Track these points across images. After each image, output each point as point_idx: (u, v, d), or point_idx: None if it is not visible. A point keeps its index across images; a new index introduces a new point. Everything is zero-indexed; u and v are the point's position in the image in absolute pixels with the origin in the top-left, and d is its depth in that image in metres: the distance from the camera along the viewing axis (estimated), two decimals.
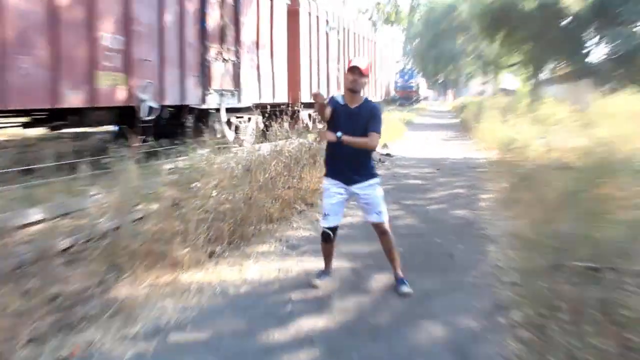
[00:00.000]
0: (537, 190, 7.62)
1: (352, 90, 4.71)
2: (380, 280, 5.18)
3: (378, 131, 4.71)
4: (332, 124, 4.75)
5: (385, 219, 4.92)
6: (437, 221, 7.57)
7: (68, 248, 5.23)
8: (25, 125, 11.11)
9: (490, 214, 7.78)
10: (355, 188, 4.85)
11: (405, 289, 4.80)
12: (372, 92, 27.88)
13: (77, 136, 14.72)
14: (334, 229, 4.94)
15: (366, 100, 4.84)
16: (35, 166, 6.92)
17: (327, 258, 5.21)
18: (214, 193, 6.61)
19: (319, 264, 5.33)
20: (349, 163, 4.80)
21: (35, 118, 10.73)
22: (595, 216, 5.81)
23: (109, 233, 5.75)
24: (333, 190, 4.88)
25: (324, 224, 4.96)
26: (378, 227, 4.94)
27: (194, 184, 6.86)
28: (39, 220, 5.95)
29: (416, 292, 4.83)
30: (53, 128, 11.23)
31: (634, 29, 31.26)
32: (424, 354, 3.74)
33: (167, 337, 3.98)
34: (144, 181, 6.86)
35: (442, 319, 4.30)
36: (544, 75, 43.60)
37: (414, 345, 3.87)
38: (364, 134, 4.64)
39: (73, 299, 4.37)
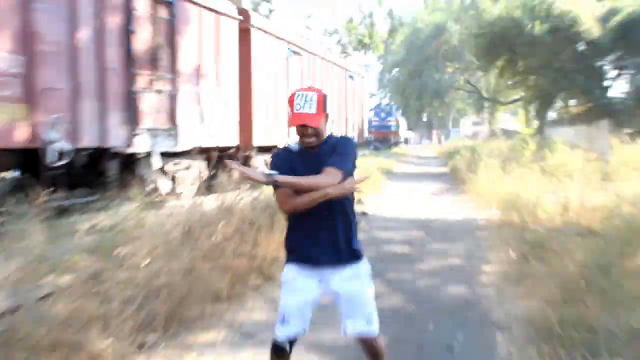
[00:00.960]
0: (554, 262, 7.63)
1: (310, 147, 4.09)
2: None
3: (339, 166, 3.96)
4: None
5: (377, 328, 4.19)
6: (429, 301, 7.51)
7: None
8: None
9: (495, 293, 7.76)
10: (335, 278, 4.11)
11: None
12: (340, 131, 28.04)
13: None
14: (293, 340, 4.13)
15: (329, 137, 4.19)
16: None
17: None
18: (145, 262, 6.50)
19: None
20: (323, 236, 4.08)
21: None
22: (629, 298, 5.84)
23: (4, 315, 5.58)
24: (299, 284, 4.13)
25: (279, 331, 4.11)
26: (367, 344, 4.20)
27: (118, 251, 6.74)
28: None
29: None
30: None
31: None
32: None
33: None
34: (52, 245, 6.73)
35: None
36: (552, 113, 44.52)
37: None
38: (342, 201, 4.10)
39: None
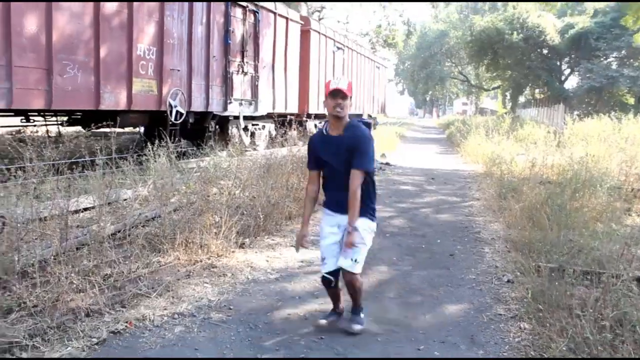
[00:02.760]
0: (524, 200, 7.71)
1: (337, 116, 3.76)
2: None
3: (363, 167, 3.72)
4: (316, 161, 3.97)
5: (357, 270, 3.83)
6: (436, 224, 7.64)
7: (114, 233, 5.31)
8: (62, 124, 11.20)
9: (482, 219, 7.87)
10: (345, 219, 3.79)
11: (357, 326, 3.93)
12: (369, 107, 27.92)
13: (105, 135, 14.74)
14: (335, 273, 3.90)
15: (351, 125, 3.82)
16: (78, 159, 6.97)
17: (334, 300, 4.13)
18: (237, 192, 6.71)
19: None
20: (339, 194, 3.80)
21: (74, 118, 10.80)
22: (575, 226, 5.98)
23: (149, 222, 5.86)
24: (327, 230, 3.94)
25: (323, 269, 3.94)
26: (345, 276, 3.85)
27: (222, 182, 6.97)
28: (89, 208, 6.04)
29: (425, 286, 4.93)
30: (85, 127, 11.27)
31: (604, 63, 31.70)
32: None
33: (209, 315, 4.06)
34: (175, 177, 6.91)
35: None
36: (522, 98, 44.03)
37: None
38: (348, 167, 3.74)
39: (123, 279, 4.44)
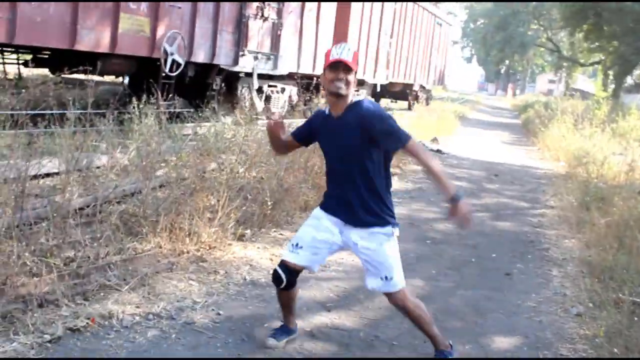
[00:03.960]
0: (612, 214, 7.77)
1: (336, 94, 3.67)
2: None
3: (406, 140, 3.66)
4: (305, 136, 4.04)
5: (395, 287, 3.81)
6: (492, 234, 7.76)
7: (82, 208, 5.51)
8: (26, 65, 11.45)
9: (554, 233, 7.96)
10: (354, 234, 3.81)
11: None
12: (422, 76, 27.96)
13: (79, 83, 15.02)
14: (295, 272, 3.88)
15: (353, 104, 3.75)
16: (43, 111, 7.21)
17: (286, 310, 4.09)
18: (242, 170, 6.88)
19: (349, 257, 5.61)
20: (340, 194, 3.82)
21: (40, 58, 11.05)
22: None
23: (127, 198, 6.07)
24: (323, 223, 3.89)
25: (286, 256, 3.92)
26: (390, 300, 3.89)
27: (224, 156, 7.15)
28: (52, 173, 6.27)
29: (469, 311, 5.07)
30: (54, 71, 11.53)
31: None
32: None
33: (192, 319, 4.25)
34: (165, 145, 7.08)
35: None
36: (630, 79, 43.42)
37: None
38: (357, 153, 3.70)
39: (89, 265, 4.65)
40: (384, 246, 3.78)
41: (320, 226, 3.89)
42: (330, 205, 3.91)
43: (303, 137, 4.06)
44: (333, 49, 3.71)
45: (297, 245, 3.88)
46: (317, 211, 4.00)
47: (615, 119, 20.66)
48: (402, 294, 3.82)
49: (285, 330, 4.07)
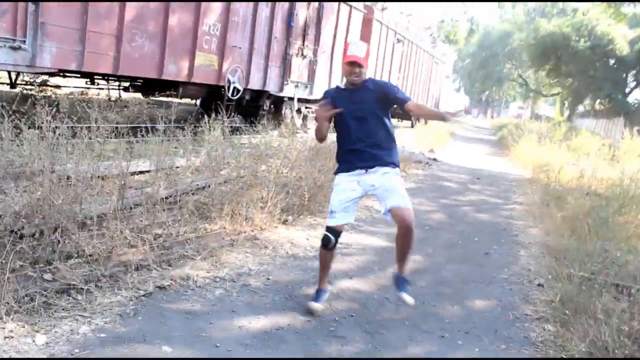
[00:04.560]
0: (567, 209, 7.73)
1: (354, 84, 3.92)
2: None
3: (409, 97, 4.00)
4: (336, 116, 3.99)
5: (410, 203, 3.86)
6: (475, 223, 7.74)
7: (166, 198, 5.60)
8: (125, 90, 11.64)
9: (522, 223, 7.92)
10: (371, 178, 3.90)
11: (408, 297, 3.90)
12: (424, 101, 27.85)
13: (162, 104, 15.21)
14: (338, 233, 3.93)
15: (367, 80, 3.98)
16: (139, 125, 7.31)
17: (324, 270, 4.09)
18: (285, 171, 6.93)
19: (373, 240, 5.60)
20: (368, 147, 3.91)
21: (135, 85, 11.22)
22: (615, 240, 6.01)
23: (199, 190, 6.15)
24: (344, 186, 3.95)
25: (329, 222, 3.96)
26: (401, 215, 3.75)
27: (272, 160, 7.20)
28: (144, 171, 6.37)
29: (456, 280, 5.08)
30: (145, 95, 11.70)
31: None
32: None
33: (248, 282, 4.31)
34: (227, 151, 7.15)
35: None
36: (581, 108, 43.00)
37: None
38: (373, 111, 3.91)
39: (172, 240, 4.73)
40: (396, 177, 3.97)
41: (341, 189, 3.96)
42: (350, 163, 3.98)
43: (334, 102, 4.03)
44: (350, 44, 3.96)
45: (332, 212, 3.97)
46: (336, 178, 4.07)
47: (570, 137, 20.46)
48: (412, 212, 3.82)
49: (322, 291, 4.07)
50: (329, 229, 3.95)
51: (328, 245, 3.94)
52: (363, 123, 3.91)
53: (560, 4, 45.45)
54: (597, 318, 3.80)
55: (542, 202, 8.89)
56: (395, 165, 4.00)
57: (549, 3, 46.84)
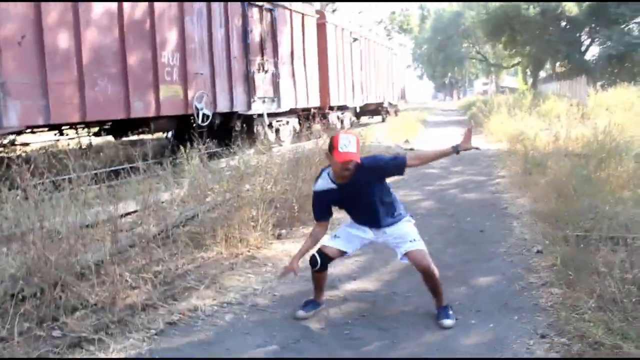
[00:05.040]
0: (549, 174, 7.85)
1: (345, 179, 3.75)
2: None
3: (404, 157, 3.86)
4: (328, 211, 4.03)
5: (421, 245, 3.83)
6: (464, 203, 7.82)
7: (159, 233, 5.59)
8: (95, 135, 11.56)
9: (509, 196, 8.01)
10: (383, 231, 3.92)
11: (447, 321, 3.75)
12: (389, 95, 28.01)
13: (134, 143, 15.15)
14: (328, 258, 3.91)
15: (359, 166, 3.71)
16: (119, 167, 7.30)
17: (318, 287, 4.09)
18: (269, 186, 6.93)
19: None
20: (376, 220, 3.92)
21: (104, 128, 11.15)
22: (601, 195, 6.12)
23: (189, 221, 6.14)
24: (355, 225, 4.02)
25: (326, 241, 3.99)
26: (416, 259, 3.77)
27: (253, 178, 7.21)
28: (130, 212, 6.35)
29: (457, 262, 5.13)
30: (116, 136, 11.65)
31: (625, 29, 31.30)
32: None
33: (255, 302, 4.32)
34: (208, 177, 7.16)
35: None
36: (543, 73, 43.59)
37: None
38: (374, 194, 3.84)
39: (172, 274, 4.72)
40: (405, 224, 3.92)
41: (354, 227, 4.01)
42: (360, 224, 4.00)
43: (329, 213, 4.04)
44: (340, 139, 3.65)
45: (335, 236, 3.99)
46: (349, 224, 4.08)
47: (538, 104, 20.72)
48: (426, 253, 3.81)
49: (314, 303, 4.08)
50: (320, 249, 3.95)
51: (315, 267, 3.93)
52: (366, 206, 3.88)
53: None
54: (599, 272, 3.89)
55: (524, 171, 9.03)
56: (401, 215, 3.97)
57: None
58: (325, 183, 3.90)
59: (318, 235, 4.06)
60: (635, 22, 32.95)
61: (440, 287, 3.87)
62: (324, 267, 3.94)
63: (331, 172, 3.85)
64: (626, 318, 3.30)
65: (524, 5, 32.37)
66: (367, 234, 3.97)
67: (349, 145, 3.62)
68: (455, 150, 3.79)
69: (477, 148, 3.95)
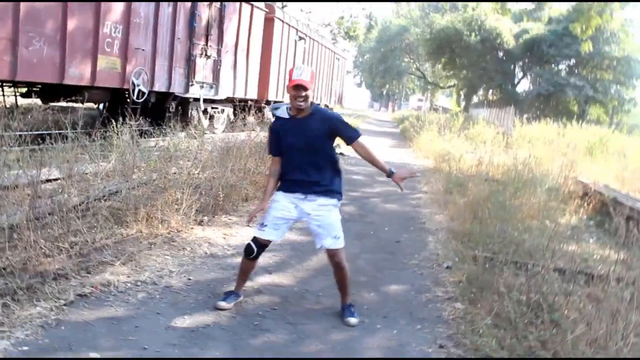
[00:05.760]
0: (468, 195, 8.17)
1: (299, 108, 3.86)
2: None
3: (357, 135, 4.02)
4: (279, 146, 4.03)
5: (341, 244, 3.98)
6: (384, 213, 8.04)
7: (79, 204, 5.48)
8: (23, 96, 11.13)
9: (428, 211, 8.29)
10: (308, 205, 3.94)
11: (352, 320, 3.94)
12: (326, 97, 28.25)
13: (64, 109, 14.64)
14: (262, 246, 3.99)
15: (317, 110, 3.98)
16: (43, 132, 7.09)
17: (243, 277, 4.14)
18: (196, 172, 6.92)
19: (290, 235, 5.74)
20: (311, 177, 3.93)
21: (33, 90, 10.74)
22: (512, 221, 6.45)
23: (112, 196, 6.05)
24: (281, 204, 3.97)
25: (257, 233, 3.97)
26: (332, 256, 3.97)
27: (182, 162, 7.18)
28: (52, 179, 6.19)
29: (371, 269, 5.31)
30: (45, 100, 11.24)
31: (555, 69, 32.88)
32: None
33: (170, 284, 4.33)
34: (136, 155, 7.06)
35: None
36: (476, 98, 45.05)
37: None
38: (318, 144, 3.92)
39: (89, 247, 4.66)
40: (331, 213, 3.97)
41: (279, 206, 3.98)
42: (291, 186, 3.99)
43: (279, 149, 4.05)
44: (294, 70, 3.87)
45: (262, 224, 3.98)
46: (277, 195, 4.06)
47: (467, 127, 21.42)
48: (342, 252, 3.99)
49: (235, 294, 4.11)
50: (254, 239, 3.98)
51: (250, 255, 3.99)
52: (308, 155, 3.93)
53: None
54: (500, 292, 4.13)
55: (446, 190, 9.33)
56: (335, 194, 4.03)
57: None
58: (281, 112, 4.03)
59: (275, 172, 4.11)
60: (564, 64, 34.68)
61: (349, 285, 4.09)
62: (259, 255, 4.02)
63: (290, 110, 3.99)
64: (517, 336, 3.55)
65: (466, 31, 33.42)
66: (292, 212, 3.97)
67: (302, 74, 3.81)
68: (389, 174, 4.08)
69: (401, 189, 4.23)
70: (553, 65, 33.77)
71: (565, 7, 32.63)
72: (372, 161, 4.12)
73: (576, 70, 33.98)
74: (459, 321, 4.00)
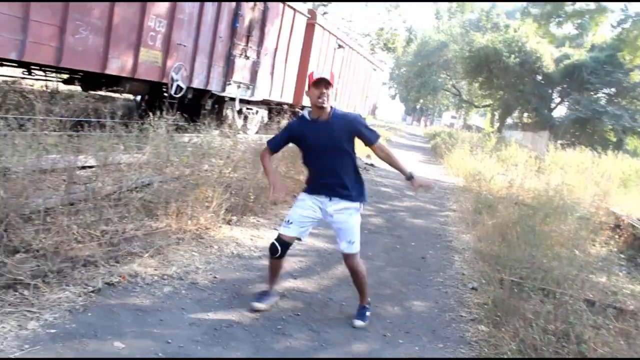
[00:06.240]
0: (497, 217, 8.09)
1: (321, 107, 3.85)
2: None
3: (377, 137, 4.04)
4: (301, 145, 4.08)
5: (355, 250, 4.04)
6: (412, 228, 7.99)
7: (112, 193, 5.55)
8: (65, 82, 11.32)
9: (455, 229, 8.23)
10: (331, 207, 4.00)
11: (358, 322, 4.08)
12: (361, 107, 28.26)
13: (103, 98, 14.87)
14: (287, 244, 4.01)
15: (338, 113, 3.98)
16: (83, 119, 7.19)
17: (273, 276, 4.19)
18: (228, 171, 6.95)
19: (315, 242, 5.71)
20: (335, 180, 3.98)
21: (75, 77, 10.93)
22: (541, 247, 6.36)
23: (144, 188, 6.12)
24: (307, 203, 4.04)
25: (282, 230, 4.01)
26: (346, 260, 4.08)
27: (214, 160, 7.23)
28: (87, 166, 6.27)
29: (396, 282, 5.28)
30: (85, 88, 11.43)
31: (594, 96, 32.45)
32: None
33: (196, 280, 4.36)
34: (171, 149, 7.13)
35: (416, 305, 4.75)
36: (510, 120, 44.66)
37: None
38: (341, 147, 3.94)
39: (119, 237, 4.71)
40: (352, 217, 4.02)
41: (305, 205, 4.04)
42: (315, 188, 4.05)
43: (279, 147, 4.17)
44: (314, 71, 3.91)
45: (288, 221, 4.02)
46: (302, 195, 4.11)
47: (499, 148, 21.25)
48: (356, 257, 4.06)
49: (269, 294, 4.17)
50: (279, 237, 4.00)
51: (275, 255, 4.00)
52: (331, 158, 3.95)
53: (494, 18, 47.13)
54: (525, 319, 4.07)
55: (475, 209, 9.26)
56: (359, 199, 4.07)
57: (483, 17, 48.40)
58: (300, 118, 4.10)
59: (265, 158, 4.19)
60: (603, 92, 34.16)
61: (366, 287, 4.20)
62: (284, 254, 4.02)
63: (310, 113, 4.00)
64: None
65: (506, 52, 33.15)
66: (317, 212, 4.03)
67: (323, 73, 3.83)
68: (409, 177, 4.12)
69: (415, 193, 4.24)
70: (592, 93, 33.29)
71: (609, 35, 32.19)
72: (393, 163, 4.13)
73: (615, 100, 33.46)
74: (483, 344, 3.96)
